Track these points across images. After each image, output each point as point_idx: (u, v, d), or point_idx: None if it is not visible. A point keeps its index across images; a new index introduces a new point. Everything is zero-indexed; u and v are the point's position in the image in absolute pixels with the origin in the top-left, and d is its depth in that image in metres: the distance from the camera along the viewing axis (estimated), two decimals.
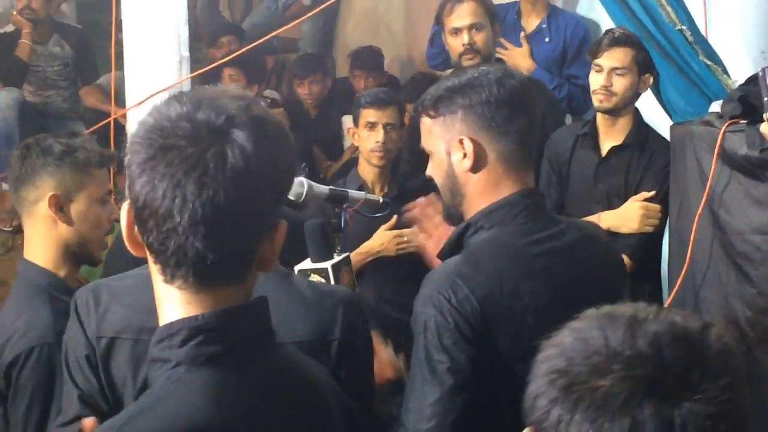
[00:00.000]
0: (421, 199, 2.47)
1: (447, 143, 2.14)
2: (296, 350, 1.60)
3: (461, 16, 4.11)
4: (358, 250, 3.59)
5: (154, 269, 1.38)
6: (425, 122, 2.19)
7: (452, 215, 2.21)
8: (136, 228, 1.37)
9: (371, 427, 1.96)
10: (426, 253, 2.45)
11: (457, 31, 4.12)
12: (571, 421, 1.12)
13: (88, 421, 2.02)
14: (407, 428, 1.97)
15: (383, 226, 3.72)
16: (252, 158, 1.33)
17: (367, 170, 3.94)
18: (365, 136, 3.89)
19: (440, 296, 1.98)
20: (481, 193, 2.13)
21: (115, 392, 1.99)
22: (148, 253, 1.38)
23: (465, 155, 2.11)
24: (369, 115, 3.89)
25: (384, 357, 2.29)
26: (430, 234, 2.43)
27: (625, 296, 2.21)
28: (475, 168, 2.11)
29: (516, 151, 2.13)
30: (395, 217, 3.68)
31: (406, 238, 3.75)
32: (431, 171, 2.21)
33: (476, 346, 1.97)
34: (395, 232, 3.75)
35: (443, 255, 2.18)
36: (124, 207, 1.38)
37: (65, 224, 2.54)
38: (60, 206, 2.53)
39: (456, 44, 4.14)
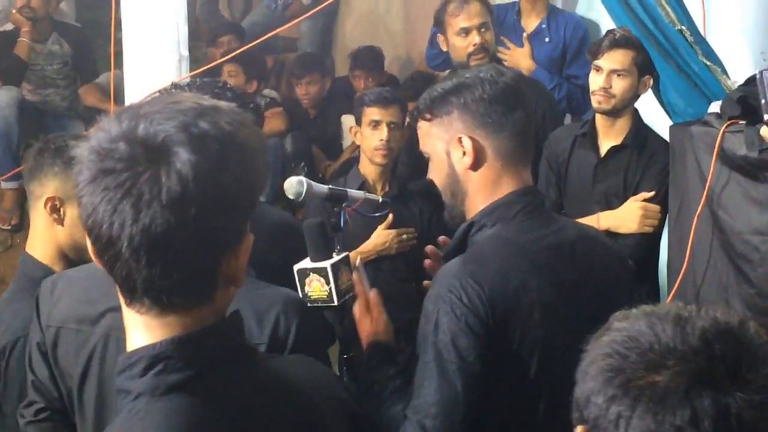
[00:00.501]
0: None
1: (446, 143, 2.17)
2: (291, 359, 1.55)
3: (470, 17, 4.11)
4: (357, 250, 3.60)
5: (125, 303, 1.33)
6: (422, 126, 2.22)
7: (455, 216, 2.24)
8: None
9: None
10: None
11: (466, 32, 4.11)
12: (632, 417, 1.15)
13: None
14: (414, 425, 1.98)
15: (381, 225, 3.73)
16: (190, 181, 1.24)
17: (368, 169, 3.95)
18: (369, 135, 3.90)
19: (451, 295, 2.00)
20: (482, 190, 2.16)
21: (65, 381, 2.01)
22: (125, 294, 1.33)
23: (464, 153, 2.14)
24: (373, 113, 3.90)
25: (382, 319, 2.29)
26: None
27: (625, 298, 2.21)
28: (475, 165, 2.14)
29: (513, 147, 2.16)
30: (391, 216, 3.69)
31: (405, 237, 3.75)
32: (432, 174, 2.24)
33: (487, 343, 1.99)
34: (394, 231, 3.76)
35: (448, 254, 2.20)
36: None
37: (60, 226, 2.57)
38: (56, 208, 2.56)
39: (464, 44, 4.13)
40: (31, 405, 2.06)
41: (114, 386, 1.87)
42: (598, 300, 2.12)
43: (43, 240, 2.60)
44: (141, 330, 1.32)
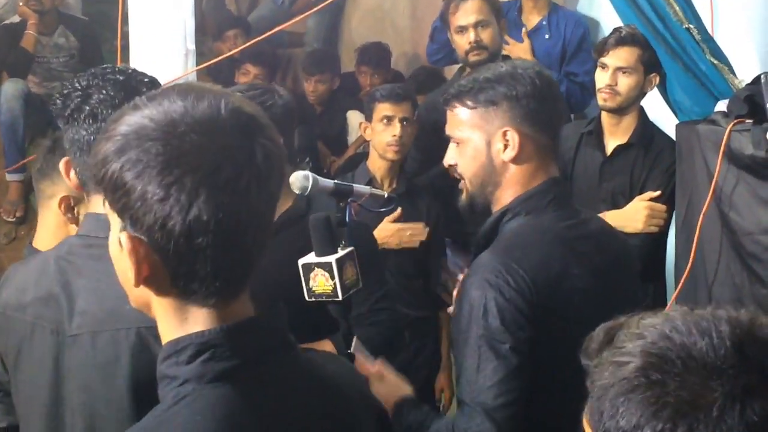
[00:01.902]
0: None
1: (487, 134, 2.18)
2: (323, 356, 1.55)
3: (466, 14, 4.12)
4: None
5: (164, 292, 1.31)
6: (459, 112, 2.22)
7: (474, 203, 2.26)
8: (146, 264, 1.27)
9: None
10: None
11: (462, 30, 4.13)
12: None
13: None
14: (477, 410, 2.02)
15: (386, 218, 3.71)
16: (274, 162, 1.29)
17: (377, 165, 3.94)
18: (380, 130, 3.89)
19: (498, 280, 2.04)
20: (517, 183, 2.20)
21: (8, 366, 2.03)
22: (157, 283, 1.30)
23: (506, 146, 2.16)
24: (385, 109, 3.89)
25: (391, 380, 2.29)
26: None
27: (638, 291, 2.28)
28: (517, 159, 2.17)
29: (550, 145, 2.22)
30: (399, 209, 3.67)
31: (409, 233, 3.74)
32: (457, 159, 2.25)
33: (534, 326, 2.04)
34: (399, 225, 3.74)
35: (478, 242, 2.23)
36: (125, 245, 1.27)
37: (74, 225, 2.54)
38: (71, 207, 2.54)
39: (462, 42, 4.14)
40: None
41: (42, 375, 1.89)
42: (620, 290, 2.19)
43: (52, 238, 2.54)
44: (181, 318, 1.32)
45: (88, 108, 1.94)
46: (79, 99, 1.96)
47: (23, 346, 1.97)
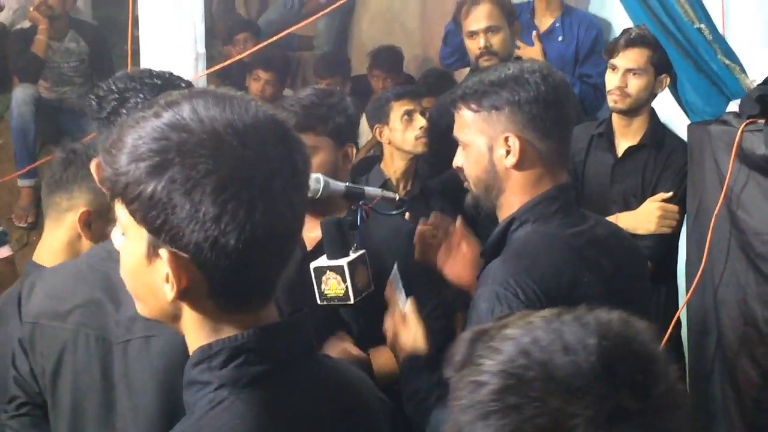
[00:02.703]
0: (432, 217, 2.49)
1: (489, 138, 2.16)
2: (339, 362, 1.56)
3: (477, 20, 4.12)
4: None
5: (200, 304, 1.30)
6: (464, 114, 2.20)
7: (479, 206, 2.24)
8: (185, 278, 1.25)
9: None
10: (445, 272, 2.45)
11: (473, 35, 4.14)
12: None
13: None
14: None
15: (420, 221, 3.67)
16: (307, 168, 1.31)
17: (392, 168, 3.93)
18: (402, 128, 3.87)
19: (507, 292, 2.00)
20: (521, 189, 2.16)
21: (43, 376, 2.02)
22: (194, 297, 1.29)
23: (508, 152, 2.13)
24: (404, 105, 3.89)
25: (420, 329, 2.27)
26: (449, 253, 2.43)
27: (648, 295, 2.24)
28: (519, 166, 2.14)
29: (557, 150, 2.17)
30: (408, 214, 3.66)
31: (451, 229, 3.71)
32: (463, 162, 2.23)
33: None
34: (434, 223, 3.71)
35: (487, 251, 2.20)
36: (165, 261, 1.24)
37: (90, 241, 2.49)
38: (89, 223, 2.49)
39: (473, 47, 4.15)
40: (12, 400, 2.07)
41: (89, 382, 1.89)
42: (630, 295, 2.16)
43: (59, 254, 2.50)
44: (213, 328, 1.31)
45: (124, 112, 1.92)
46: (115, 102, 1.95)
47: (65, 355, 1.96)
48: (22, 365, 2.04)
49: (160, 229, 1.23)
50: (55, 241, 2.54)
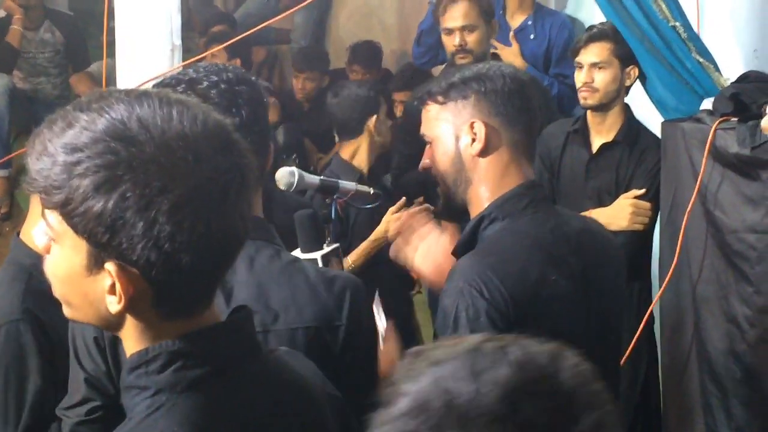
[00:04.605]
0: (404, 212, 2.47)
1: (456, 127, 2.18)
2: (286, 353, 1.53)
3: (453, 18, 4.15)
4: (370, 238, 3.56)
5: (142, 313, 1.26)
6: (431, 109, 2.22)
7: (452, 206, 2.24)
8: (132, 290, 1.22)
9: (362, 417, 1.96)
10: (412, 265, 2.44)
11: (449, 32, 4.17)
12: None
13: None
14: None
15: (390, 209, 3.66)
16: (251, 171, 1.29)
17: (370, 159, 3.95)
18: (386, 120, 3.93)
19: (471, 288, 2.00)
20: (488, 181, 2.17)
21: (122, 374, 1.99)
22: (137, 306, 1.25)
23: (473, 140, 2.15)
24: (399, 97, 3.94)
25: (395, 351, 2.28)
26: (414, 244, 2.42)
27: (623, 290, 2.26)
28: (484, 152, 2.16)
29: (522, 141, 2.19)
30: (403, 198, 3.63)
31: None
32: (432, 159, 2.24)
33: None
34: (409, 211, 3.68)
35: (458, 249, 2.20)
36: (113, 275, 1.20)
37: None
38: None
39: (449, 43, 4.19)
40: (83, 403, 2.01)
41: None
42: (603, 291, 2.17)
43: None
44: (153, 334, 1.28)
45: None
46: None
47: None
48: (97, 365, 2.00)
49: (107, 244, 1.18)
50: (35, 217, 2.56)
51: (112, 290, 1.22)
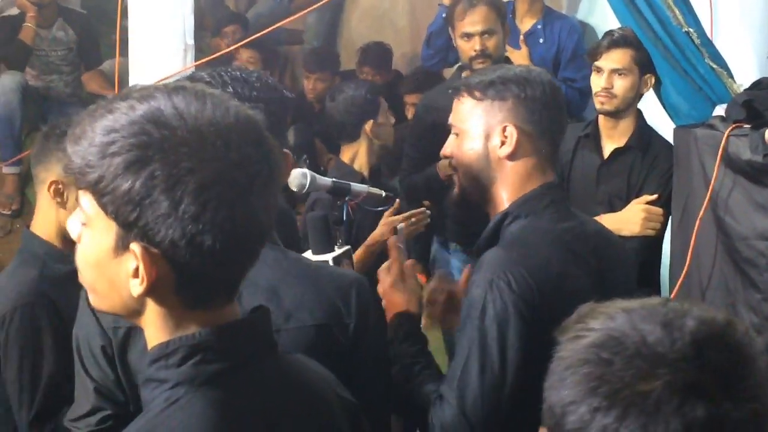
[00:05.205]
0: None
1: (488, 126, 2.20)
2: (299, 358, 1.54)
3: (473, 23, 4.09)
4: (366, 243, 3.56)
5: (165, 300, 1.28)
6: (466, 102, 2.24)
7: (465, 198, 2.27)
8: (155, 274, 1.24)
9: (378, 421, 1.96)
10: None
11: (468, 36, 4.10)
12: (619, 429, 1.08)
13: None
14: (454, 406, 2.02)
15: (386, 213, 3.67)
16: (280, 169, 1.32)
17: (370, 162, 3.92)
18: (389, 124, 3.91)
19: (500, 281, 2.04)
20: (511, 182, 2.21)
21: (132, 382, 1.98)
22: (160, 292, 1.27)
23: (503, 142, 2.18)
24: (385, 102, 3.91)
25: (415, 291, 2.28)
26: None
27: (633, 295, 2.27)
28: (512, 156, 2.19)
29: (549, 151, 2.23)
30: (397, 201, 3.63)
31: (414, 219, 3.69)
32: (454, 149, 2.26)
33: (532, 329, 2.03)
34: (401, 216, 3.69)
35: (481, 245, 2.23)
36: (138, 256, 1.22)
37: (62, 209, 2.64)
38: (60, 192, 2.63)
39: (467, 48, 4.11)
40: (94, 413, 2.01)
41: None
42: (616, 293, 2.15)
43: (46, 220, 2.67)
44: (174, 324, 1.29)
45: None
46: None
47: None
48: (105, 374, 1.99)
49: (134, 224, 1.21)
50: (41, 211, 2.71)
51: (135, 273, 1.24)
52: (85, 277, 1.34)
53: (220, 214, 1.20)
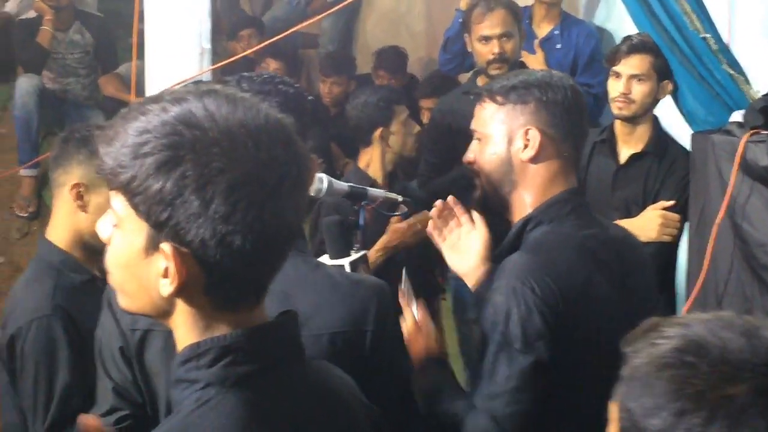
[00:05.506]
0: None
1: (510, 130, 2.21)
2: (324, 363, 1.56)
3: (492, 26, 4.07)
4: (375, 247, 3.56)
5: (194, 301, 1.29)
6: (488, 107, 2.25)
7: (490, 204, 2.28)
8: (185, 274, 1.25)
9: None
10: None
11: (487, 40, 4.08)
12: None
13: (89, 419, 2.04)
14: (484, 414, 2.03)
15: (392, 220, 3.66)
16: (309, 171, 1.32)
17: (383, 169, 3.90)
18: (405, 132, 3.89)
19: (524, 287, 2.04)
20: (534, 186, 2.21)
21: (149, 384, 2.00)
22: (189, 292, 1.28)
23: (526, 145, 2.19)
24: (405, 109, 3.93)
25: (427, 333, 2.28)
26: (445, 236, 2.42)
27: (655, 301, 2.32)
28: (535, 159, 2.19)
29: (572, 155, 2.23)
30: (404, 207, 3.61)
31: (420, 226, 3.69)
32: (477, 155, 2.27)
33: (556, 334, 2.04)
34: (408, 221, 3.68)
35: (502, 250, 2.23)
36: (168, 255, 1.23)
37: (83, 212, 2.63)
38: (81, 195, 2.62)
39: (484, 51, 4.09)
40: (111, 413, 2.04)
41: None
42: (638, 299, 2.21)
43: (63, 226, 2.66)
44: (204, 325, 1.30)
45: None
46: None
47: None
48: (124, 375, 2.02)
49: (165, 223, 1.22)
50: (58, 216, 2.69)
51: (165, 273, 1.25)
52: (115, 278, 1.35)
53: (250, 214, 1.22)
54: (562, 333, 2.04)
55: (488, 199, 2.27)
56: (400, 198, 2.74)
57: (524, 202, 2.21)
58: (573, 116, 2.20)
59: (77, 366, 2.45)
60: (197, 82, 2.73)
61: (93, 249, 2.60)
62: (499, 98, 2.22)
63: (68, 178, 2.63)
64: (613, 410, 1.21)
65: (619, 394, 1.19)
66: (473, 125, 2.28)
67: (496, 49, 4.04)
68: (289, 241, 1.32)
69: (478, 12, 4.11)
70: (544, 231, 2.17)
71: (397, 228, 3.70)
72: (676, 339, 1.16)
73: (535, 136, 2.17)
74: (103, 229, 1.35)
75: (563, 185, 2.21)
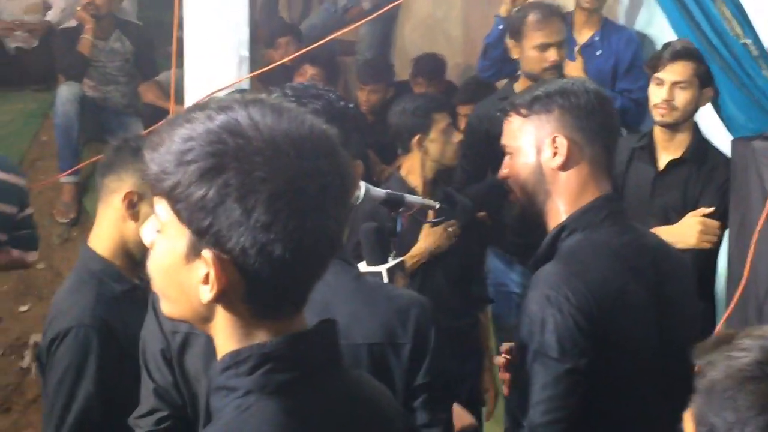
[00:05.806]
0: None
1: (538, 140, 2.22)
2: (361, 372, 1.56)
3: (552, 34, 4.06)
4: (410, 254, 3.56)
5: (234, 308, 1.30)
6: (514, 121, 2.26)
7: (528, 217, 2.28)
8: (225, 281, 1.26)
9: None
10: None
11: (545, 47, 4.06)
12: None
13: None
14: (526, 426, 2.03)
15: (425, 227, 3.64)
16: (352, 181, 1.32)
17: (423, 177, 3.87)
18: (444, 141, 3.84)
19: (558, 296, 2.04)
20: (567, 193, 2.20)
21: (189, 386, 2.02)
22: (229, 299, 1.29)
23: (555, 153, 2.19)
24: (446, 117, 3.88)
25: (462, 413, 2.29)
26: None
27: (694, 309, 2.33)
28: (565, 166, 2.19)
29: (603, 157, 2.23)
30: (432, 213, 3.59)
31: (451, 230, 3.67)
32: (510, 170, 2.27)
33: (592, 343, 2.03)
34: (441, 226, 3.67)
35: (537, 258, 2.23)
36: (209, 262, 1.25)
37: (133, 221, 2.62)
38: (133, 203, 2.62)
39: (540, 59, 4.07)
40: (152, 413, 2.05)
41: None
42: (675, 307, 2.20)
43: (108, 234, 2.66)
44: (245, 332, 1.31)
45: None
46: None
47: None
48: (165, 377, 2.04)
49: (206, 230, 1.23)
50: (104, 223, 2.69)
51: (206, 280, 1.26)
52: (157, 283, 1.36)
53: (291, 223, 1.22)
54: (598, 341, 2.03)
55: (526, 212, 2.27)
56: (437, 205, 2.74)
57: (559, 210, 2.21)
58: (598, 118, 2.20)
59: (106, 380, 2.46)
60: (239, 90, 2.73)
61: (134, 259, 2.63)
62: (523, 110, 2.23)
63: (121, 186, 2.62)
64: (688, 424, 1.20)
65: (696, 407, 1.18)
66: (503, 141, 2.29)
67: (555, 57, 4.03)
68: (330, 251, 1.32)
69: (535, 19, 4.09)
70: (578, 239, 2.16)
71: (430, 232, 3.69)
72: (755, 351, 1.15)
73: (562, 143, 2.18)
74: (147, 235, 1.36)
75: (597, 191, 2.20)
